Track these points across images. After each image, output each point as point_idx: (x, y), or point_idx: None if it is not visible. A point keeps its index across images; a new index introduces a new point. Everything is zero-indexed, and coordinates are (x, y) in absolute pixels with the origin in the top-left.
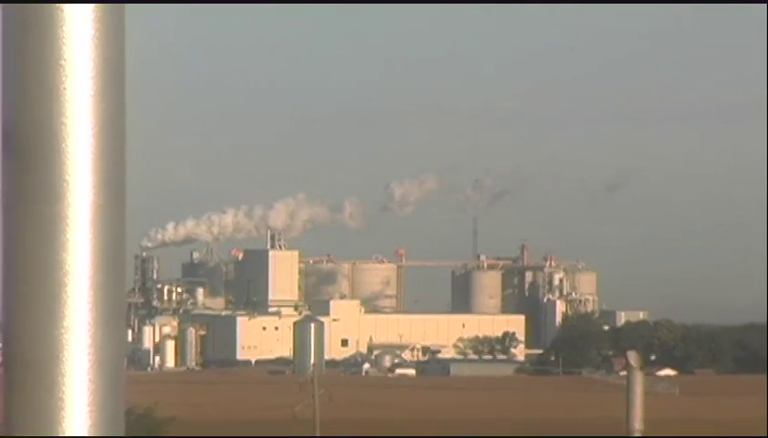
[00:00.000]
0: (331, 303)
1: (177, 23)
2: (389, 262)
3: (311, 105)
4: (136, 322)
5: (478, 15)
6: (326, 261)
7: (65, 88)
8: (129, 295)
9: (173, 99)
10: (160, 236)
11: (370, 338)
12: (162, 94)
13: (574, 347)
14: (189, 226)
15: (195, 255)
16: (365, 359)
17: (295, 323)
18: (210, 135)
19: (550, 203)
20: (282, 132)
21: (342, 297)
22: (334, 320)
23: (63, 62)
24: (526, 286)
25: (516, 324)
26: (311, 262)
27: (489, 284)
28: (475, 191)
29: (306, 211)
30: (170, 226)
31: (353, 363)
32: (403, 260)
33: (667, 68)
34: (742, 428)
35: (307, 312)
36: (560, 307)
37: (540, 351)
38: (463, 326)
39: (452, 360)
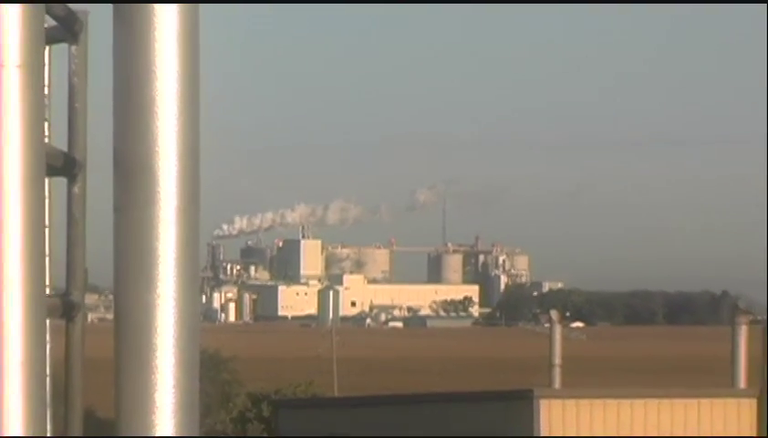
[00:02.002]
0: (344, 277)
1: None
2: (384, 248)
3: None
4: (207, 290)
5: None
6: (341, 247)
7: (157, 127)
8: (203, 271)
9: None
10: (247, 227)
11: (371, 301)
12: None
13: (513, 307)
14: (267, 218)
15: (249, 242)
16: (367, 315)
17: (319, 291)
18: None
19: (510, 206)
20: (325, 156)
21: (351, 272)
22: (346, 289)
23: (156, 109)
24: (480, 264)
25: (473, 291)
26: (330, 248)
27: (453, 263)
28: (473, 197)
29: (352, 210)
30: (256, 219)
31: (359, 318)
32: (394, 247)
33: (616, 102)
34: (631, 362)
35: (327, 283)
36: (503, 279)
37: (489, 310)
38: (436, 292)
39: (428, 317)
